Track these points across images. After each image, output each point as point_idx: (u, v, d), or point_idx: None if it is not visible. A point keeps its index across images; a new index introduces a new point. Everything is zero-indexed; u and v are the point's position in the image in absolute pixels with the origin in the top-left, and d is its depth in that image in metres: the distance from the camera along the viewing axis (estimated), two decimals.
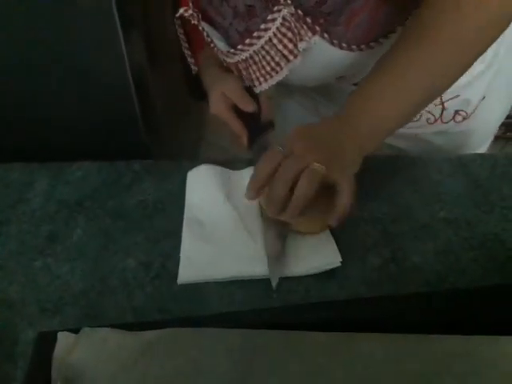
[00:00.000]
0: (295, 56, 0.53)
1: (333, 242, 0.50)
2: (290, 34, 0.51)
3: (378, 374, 0.37)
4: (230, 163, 0.62)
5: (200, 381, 0.37)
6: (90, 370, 0.38)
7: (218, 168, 0.60)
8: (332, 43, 0.52)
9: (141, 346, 0.39)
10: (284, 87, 0.80)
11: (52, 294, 0.48)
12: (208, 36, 0.57)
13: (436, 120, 0.67)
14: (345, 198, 0.46)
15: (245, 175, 0.60)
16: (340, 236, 0.51)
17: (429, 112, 0.66)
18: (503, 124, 0.77)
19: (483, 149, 0.77)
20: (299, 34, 0.51)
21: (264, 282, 0.48)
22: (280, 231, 0.51)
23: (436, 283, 0.48)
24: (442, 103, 0.64)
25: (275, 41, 0.52)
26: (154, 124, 1.17)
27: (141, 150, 1.10)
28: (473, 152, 0.73)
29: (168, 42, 1.44)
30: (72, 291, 0.48)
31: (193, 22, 0.56)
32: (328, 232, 0.51)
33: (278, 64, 0.54)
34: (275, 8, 0.49)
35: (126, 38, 0.94)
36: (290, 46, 0.52)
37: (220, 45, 0.57)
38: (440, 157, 0.63)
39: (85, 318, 0.46)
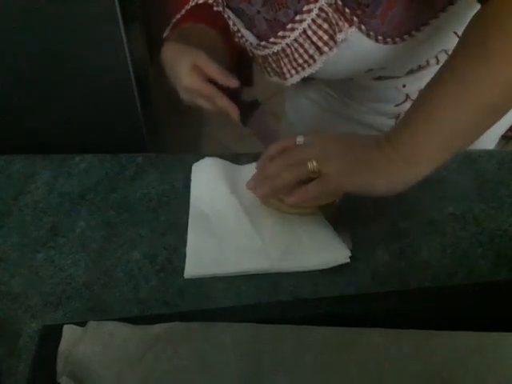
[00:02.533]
0: (330, 48, 0.51)
1: None
2: (325, 25, 0.49)
3: (392, 370, 0.36)
4: (233, 158, 0.61)
5: (209, 375, 0.37)
6: (97, 363, 0.37)
7: (223, 161, 0.60)
8: (368, 35, 0.51)
9: (148, 340, 0.38)
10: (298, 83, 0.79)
11: (55, 287, 0.47)
12: (234, 25, 0.55)
13: None
14: (315, 188, 0.45)
15: (250, 170, 0.59)
16: (349, 231, 0.50)
17: None
18: None
19: (493, 145, 0.76)
20: (337, 24, 0.49)
21: (270, 277, 0.48)
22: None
23: (444, 279, 0.47)
24: None
25: (310, 32, 0.50)
26: (155, 120, 1.16)
27: (141, 146, 1.09)
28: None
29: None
30: (76, 284, 0.47)
31: (215, 8, 0.54)
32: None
33: (311, 57, 0.53)
34: None
35: (128, 35, 0.93)
36: (326, 37, 0.50)
37: (248, 35, 0.55)
38: None
39: (89, 311, 0.45)
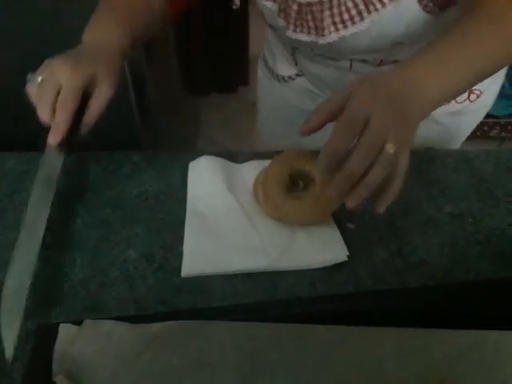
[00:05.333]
0: (384, 5, 0.47)
1: (340, 236, 0.50)
2: None
3: (391, 368, 0.36)
4: (230, 157, 0.61)
5: (207, 374, 0.36)
6: (93, 362, 0.36)
7: (220, 159, 0.59)
8: (419, 1, 0.48)
9: (145, 338, 0.38)
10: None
11: (51, 285, 0.46)
12: None
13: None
14: (400, 182, 0.40)
15: (246, 168, 0.59)
16: (347, 230, 0.50)
17: None
18: (498, 124, 0.77)
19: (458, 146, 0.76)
20: None
21: (268, 275, 0.47)
22: None
23: (442, 277, 0.47)
24: None
25: None
26: (151, 119, 1.16)
27: (136, 146, 1.09)
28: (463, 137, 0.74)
29: (165, 39, 1.43)
30: (71, 282, 0.47)
31: None
32: (335, 226, 0.50)
33: (359, 13, 0.48)
34: None
35: None
36: None
37: None
38: (444, 152, 0.62)
39: (85, 310, 0.44)
